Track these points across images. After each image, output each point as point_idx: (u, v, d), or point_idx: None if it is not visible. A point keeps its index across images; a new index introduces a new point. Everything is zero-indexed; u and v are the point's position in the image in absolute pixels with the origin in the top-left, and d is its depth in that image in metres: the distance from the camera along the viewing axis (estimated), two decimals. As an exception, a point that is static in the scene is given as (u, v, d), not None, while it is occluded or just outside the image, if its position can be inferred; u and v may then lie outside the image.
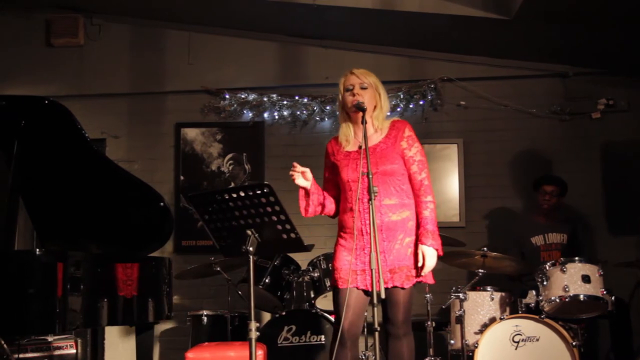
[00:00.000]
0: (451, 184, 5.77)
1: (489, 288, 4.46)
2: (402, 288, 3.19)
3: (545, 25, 5.00)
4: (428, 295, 4.44)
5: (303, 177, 3.25)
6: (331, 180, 3.42)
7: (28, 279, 2.47)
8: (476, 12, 5.05)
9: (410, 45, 5.79)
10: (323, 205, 3.37)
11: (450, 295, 4.41)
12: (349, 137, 3.33)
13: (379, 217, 3.16)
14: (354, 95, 3.25)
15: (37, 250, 2.54)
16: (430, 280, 3.30)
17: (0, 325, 2.47)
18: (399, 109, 5.78)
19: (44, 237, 3.37)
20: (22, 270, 2.48)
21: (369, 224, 3.12)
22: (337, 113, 3.42)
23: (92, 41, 6.01)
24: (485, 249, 4.37)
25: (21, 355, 4.42)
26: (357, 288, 3.19)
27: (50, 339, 4.54)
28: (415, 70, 5.86)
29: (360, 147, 3.25)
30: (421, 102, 5.81)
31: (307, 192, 3.30)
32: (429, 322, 4.44)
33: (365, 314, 4.73)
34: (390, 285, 3.17)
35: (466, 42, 5.60)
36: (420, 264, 3.18)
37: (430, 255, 3.17)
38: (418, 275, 3.23)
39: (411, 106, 5.80)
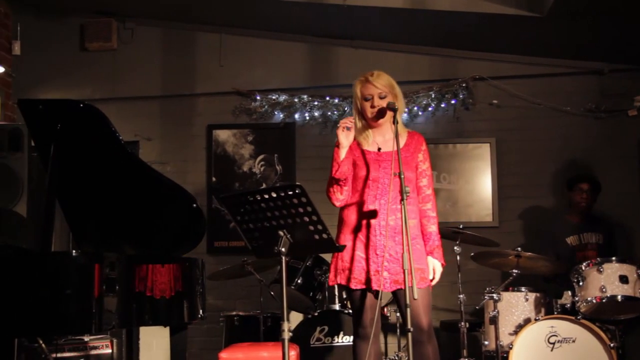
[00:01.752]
0: (484, 184, 5.72)
1: (523, 288, 4.40)
2: (419, 288, 3.17)
3: (579, 21, 4.93)
4: (461, 295, 4.40)
5: (346, 135, 3.19)
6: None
7: (65, 279, 2.51)
8: (508, 10, 4.99)
9: (441, 44, 5.75)
10: (345, 182, 3.28)
11: (484, 296, 4.37)
12: (368, 138, 3.33)
13: (392, 220, 3.18)
14: (373, 106, 3.27)
15: (74, 251, 2.58)
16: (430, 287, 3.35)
17: (38, 325, 2.51)
18: (430, 109, 5.75)
19: (79, 239, 3.42)
20: (60, 271, 2.52)
21: (384, 225, 3.18)
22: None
23: (125, 45, 6.08)
24: (519, 248, 4.32)
25: (59, 355, 4.49)
26: (372, 288, 3.22)
27: (86, 338, 4.60)
28: (447, 69, 5.82)
29: (379, 149, 3.28)
30: (453, 102, 5.77)
31: (340, 152, 3.21)
32: (462, 323, 4.40)
33: (388, 314, 4.74)
34: (403, 286, 3.15)
35: (498, 40, 5.54)
36: (431, 277, 3.29)
37: (439, 270, 3.32)
38: (424, 279, 3.26)
39: (443, 105, 5.76)
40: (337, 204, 3.33)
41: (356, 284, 3.24)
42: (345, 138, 3.21)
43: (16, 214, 4.32)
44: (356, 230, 3.27)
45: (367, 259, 3.22)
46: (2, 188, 4.55)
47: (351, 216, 3.30)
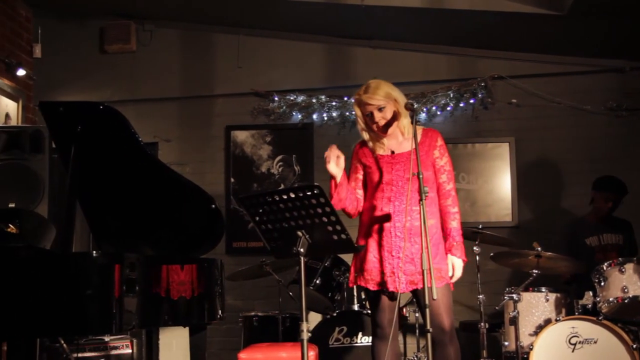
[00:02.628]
0: (503, 183, 5.68)
1: (543, 289, 4.37)
2: (436, 287, 3.18)
3: (599, 18, 4.88)
4: (481, 296, 4.37)
5: (336, 163, 3.20)
6: (357, 177, 3.41)
7: (86, 280, 2.52)
8: (528, 8, 4.96)
9: (459, 43, 5.72)
10: (347, 201, 3.31)
11: (504, 296, 4.34)
12: (382, 144, 3.35)
13: (409, 221, 3.17)
14: (375, 122, 3.27)
15: (94, 252, 2.59)
16: (451, 285, 3.32)
17: (59, 325, 2.53)
18: (449, 108, 5.72)
19: (99, 239, 3.44)
20: (80, 272, 2.54)
21: (399, 226, 3.19)
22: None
23: (143, 47, 6.12)
24: (539, 249, 4.28)
25: (80, 355, 4.53)
26: (388, 290, 3.22)
27: (107, 339, 4.63)
28: (465, 68, 5.79)
29: (392, 152, 3.29)
30: (472, 101, 5.74)
31: (335, 183, 3.25)
32: (482, 324, 4.38)
33: (407, 315, 4.73)
34: (420, 286, 3.17)
35: (517, 39, 5.50)
36: (450, 274, 3.26)
37: (459, 267, 3.28)
38: (442, 278, 3.25)
39: (461, 105, 5.73)
40: (353, 217, 3.40)
41: (373, 285, 3.25)
42: (335, 167, 3.21)
43: (37, 215, 4.36)
44: (373, 232, 3.28)
45: (383, 261, 3.22)
46: (23, 189, 4.59)
47: (368, 219, 3.32)
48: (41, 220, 3.97)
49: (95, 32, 6.18)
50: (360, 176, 3.41)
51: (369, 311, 4.52)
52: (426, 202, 3.21)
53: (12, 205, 4.50)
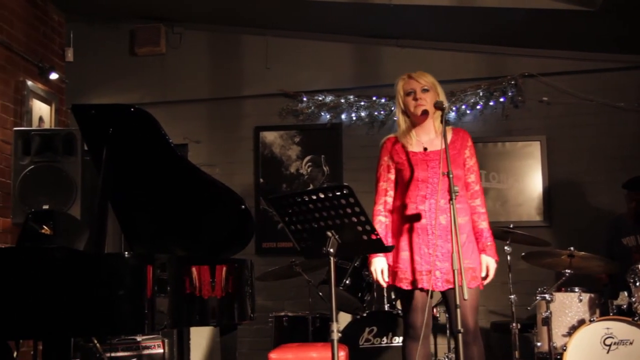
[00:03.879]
0: (534, 182, 5.62)
1: (576, 289, 4.31)
2: (469, 288, 3.17)
3: (632, 14, 4.79)
4: (512, 296, 4.33)
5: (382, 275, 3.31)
6: (389, 178, 3.39)
7: (118, 281, 2.55)
8: (558, 5, 4.89)
9: (489, 41, 5.67)
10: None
11: (536, 297, 4.29)
12: (412, 139, 3.33)
13: (444, 219, 3.15)
14: (416, 99, 3.27)
15: (126, 253, 2.62)
16: (481, 285, 3.33)
17: (93, 325, 2.56)
18: (478, 107, 5.68)
19: (131, 240, 3.48)
20: (113, 272, 2.56)
21: (434, 224, 3.17)
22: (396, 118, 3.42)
23: (173, 49, 6.17)
24: (572, 248, 4.23)
25: (112, 354, 4.58)
26: (423, 289, 3.20)
27: (139, 338, 4.68)
28: (495, 66, 5.74)
29: (425, 149, 3.26)
30: (502, 99, 5.68)
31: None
32: (514, 324, 4.33)
33: (437, 315, 4.70)
34: (454, 286, 3.13)
35: (548, 36, 5.44)
36: (484, 275, 3.26)
37: (493, 267, 3.27)
38: (476, 278, 3.25)
39: (491, 103, 5.68)
40: None
41: (408, 285, 3.22)
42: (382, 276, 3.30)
43: (70, 216, 4.42)
44: (407, 231, 3.26)
45: (419, 259, 3.20)
46: (56, 191, 4.66)
47: (401, 218, 3.29)
48: (74, 222, 4.03)
49: (125, 35, 6.25)
50: (392, 176, 3.39)
51: (400, 311, 4.52)
52: (460, 199, 3.25)
53: (46, 207, 4.57)
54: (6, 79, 5.36)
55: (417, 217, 3.22)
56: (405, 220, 3.26)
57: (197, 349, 5.61)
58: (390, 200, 3.38)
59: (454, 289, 2.90)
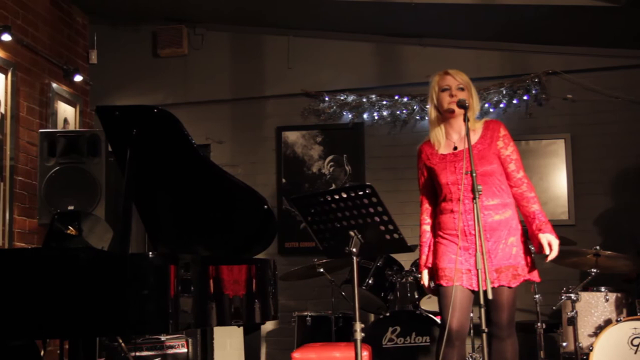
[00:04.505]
0: (558, 181, 5.57)
1: (602, 288, 4.26)
2: (509, 287, 3.16)
3: (658, 10, 4.74)
4: (537, 295, 4.29)
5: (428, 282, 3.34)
6: (428, 184, 3.39)
7: (143, 280, 2.57)
8: (582, 1, 4.84)
9: (512, 39, 5.63)
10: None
11: (561, 296, 4.25)
12: (441, 140, 3.31)
13: (481, 218, 3.12)
14: (451, 96, 3.24)
15: (150, 253, 2.64)
16: (536, 278, 3.27)
17: (118, 325, 2.58)
18: (502, 105, 5.63)
19: (154, 240, 3.50)
20: (137, 272, 2.58)
21: (472, 224, 3.12)
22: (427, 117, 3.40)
23: (195, 50, 6.21)
24: (597, 247, 4.18)
25: (137, 354, 4.62)
26: (463, 286, 3.16)
27: (163, 338, 4.72)
28: (518, 64, 5.70)
29: (455, 149, 3.24)
30: (525, 97, 5.63)
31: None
32: (539, 324, 4.29)
33: (472, 314, 4.66)
34: (496, 285, 3.13)
35: (572, 32, 5.38)
36: (548, 252, 3.14)
37: (556, 243, 3.15)
38: (525, 272, 3.20)
39: (515, 102, 5.64)
40: None
41: (447, 282, 3.20)
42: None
43: (95, 216, 4.46)
44: (447, 232, 3.24)
45: (459, 259, 3.17)
46: (82, 192, 4.71)
47: (441, 220, 3.28)
48: (99, 222, 4.06)
49: (148, 37, 6.30)
50: (429, 181, 3.38)
51: (422, 311, 4.51)
52: (501, 193, 3.22)
53: (71, 207, 4.62)
54: (32, 82, 5.43)
55: (454, 218, 3.20)
56: (445, 222, 3.25)
57: (220, 349, 5.64)
58: (431, 206, 3.38)
59: (492, 288, 2.89)
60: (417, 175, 3.44)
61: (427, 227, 3.37)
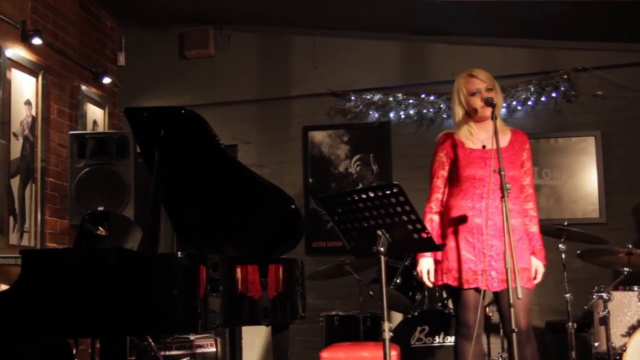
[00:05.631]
0: (589, 179, 5.49)
1: (635, 287, 4.19)
2: (524, 288, 3.15)
3: (690, 4, 4.65)
4: (568, 295, 4.24)
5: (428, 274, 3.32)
6: (444, 175, 3.35)
7: (172, 281, 2.59)
8: (611, -4, 4.77)
9: (539, 35, 5.56)
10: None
11: (593, 295, 4.19)
12: (472, 136, 3.28)
13: (498, 218, 3.11)
14: (483, 99, 3.22)
15: (179, 253, 2.66)
16: (532, 286, 3.32)
17: (148, 324, 2.60)
18: (530, 103, 5.58)
19: (183, 240, 3.53)
20: (167, 272, 2.60)
21: (492, 223, 3.14)
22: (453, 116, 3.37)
23: (222, 51, 6.24)
24: (630, 246, 4.11)
25: (166, 353, 4.66)
26: (478, 288, 3.17)
27: (192, 337, 4.75)
28: (546, 61, 5.63)
29: (484, 147, 3.20)
30: (554, 95, 5.57)
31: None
32: (570, 324, 4.24)
33: (490, 314, 4.62)
34: (512, 285, 3.08)
35: (601, 28, 5.30)
36: (533, 276, 3.25)
37: (541, 272, 3.28)
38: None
39: (543, 99, 5.57)
40: None
41: (464, 284, 3.19)
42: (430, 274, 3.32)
43: (125, 217, 4.51)
44: (462, 230, 3.22)
45: (474, 259, 3.16)
46: (111, 193, 4.77)
47: (456, 216, 3.25)
48: (128, 223, 4.11)
49: (175, 39, 6.35)
50: (446, 173, 3.35)
51: (451, 310, 4.48)
52: (517, 200, 3.24)
53: (101, 208, 4.68)
54: (62, 84, 5.51)
55: (473, 215, 3.18)
56: (460, 219, 3.23)
57: (249, 348, 5.66)
58: (442, 197, 3.35)
59: (508, 288, 2.87)
60: (433, 164, 3.38)
61: (435, 217, 3.34)
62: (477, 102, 3.24)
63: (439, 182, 3.36)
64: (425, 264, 3.29)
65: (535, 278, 3.26)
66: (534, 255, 3.26)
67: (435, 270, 3.32)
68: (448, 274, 3.26)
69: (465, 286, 3.19)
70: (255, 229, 3.38)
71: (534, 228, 3.30)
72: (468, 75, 3.29)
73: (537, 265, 3.26)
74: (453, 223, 3.25)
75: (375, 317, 4.73)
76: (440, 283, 3.31)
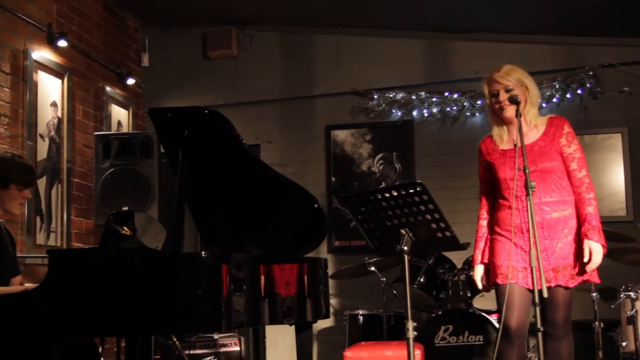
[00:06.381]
0: (615, 176, 5.42)
1: (664, 286, 4.13)
2: (566, 287, 3.10)
3: None
4: (594, 294, 4.18)
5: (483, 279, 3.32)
6: (487, 179, 3.36)
7: (196, 280, 2.60)
8: (638, -9, 4.70)
9: (564, 31, 5.50)
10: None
11: (620, 294, 4.14)
12: (503, 136, 3.28)
13: (539, 215, 3.08)
14: (499, 102, 3.21)
15: (203, 252, 2.66)
16: (595, 279, 3.17)
17: (171, 324, 2.62)
18: (555, 100, 5.51)
19: (206, 240, 3.54)
20: (190, 272, 2.61)
21: (528, 221, 3.05)
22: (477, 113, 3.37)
23: (244, 51, 6.27)
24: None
25: (191, 352, 4.69)
26: (518, 284, 3.11)
27: (216, 336, 4.77)
28: (571, 57, 5.57)
29: (515, 145, 3.17)
30: (579, 91, 5.50)
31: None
32: (597, 323, 4.19)
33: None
34: (553, 284, 3.07)
35: (628, 23, 5.22)
36: (586, 260, 3.05)
37: (597, 251, 3.05)
38: (583, 272, 3.11)
39: (568, 96, 5.51)
40: None
41: (503, 280, 3.16)
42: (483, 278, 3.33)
43: (149, 217, 4.54)
44: (504, 229, 3.20)
45: (515, 256, 3.13)
46: (135, 193, 4.80)
47: (499, 216, 3.24)
48: (153, 222, 4.13)
49: (198, 39, 6.38)
50: (489, 177, 3.34)
51: (476, 309, 4.45)
52: (561, 191, 3.16)
53: (125, 208, 4.72)
54: (87, 86, 5.57)
55: (512, 215, 3.16)
56: (503, 218, 3.21)
57: (272, 347, 5.67)
58: (489, 202, 3.35)
59: (548, 287, 2.84)
60: (478, 169, 3.41)
61: (484, 222, 3.34)
62: (496, 105, 3.24)
63: (486, 187, 3.38)
64: (479, 271, 3.31)
65: (590, 261, 3.05)
66: (585, 237, 3.08)
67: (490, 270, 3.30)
68: (492, 272, 3.24)
69: (505, 281, 3.13)
70: (278, 228, 3.38)
71: (589, 209, 3.12)
72: (487, 77, 3.28)
73: (590, 245, 3.05)
74: (497, 223, 3.25)
75: (399, 316, 4.72)
76: (490, 284, 3.28)
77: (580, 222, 3.16)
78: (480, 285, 3.32)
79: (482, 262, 3.30)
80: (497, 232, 3.24)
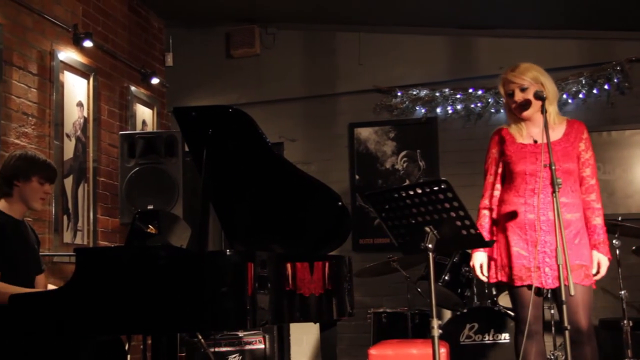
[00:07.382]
0: (644, 173, 5.34)
1: (693, 285, 4.06)
2: (582, 285, 3.08)
3: None
4: (623, 292, 4.13)
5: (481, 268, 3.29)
6: (497, 171, 3.31)
7: (221, 278, 2.61)
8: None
9: (591, 26, 5.42)
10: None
11: (649, 293, 4.08)
12: (522, 131, 3.25)
13: (552, 214, 3.03)
14: (514, 102, 3.20)
15: (228, 251, 2.68)
16: (593, 286, 3.19)
17: (197, 321, 2.63)
18: (581, 96, 5.45)
19: (231, 238, 3.56)
20: (215, 270, 2.63)
21: (545, 219, 3.08)
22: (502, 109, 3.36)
23: (267, 49, 6.28)
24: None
25: (216, 349, 4.72)
26: (532, 285, 3.10)
27: (241, 334, 4.80)
28: (598, 52, 5.49)
29: (535, 142, 3.14)
30: (606, 87, 5.42)
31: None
32: (625, 321, 4.13)
33: (552, 311, 4.53)
34: (566, 283, 3.01)
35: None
36: (594, 271, 3.14)
37: (605, 265, 3.15)
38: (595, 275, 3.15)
39: (595, 92, 5.43)
40: None
41: (517, 281, 3.14)
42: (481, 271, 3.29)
43: (174, 215, 4.57)
44: (515, 226, 3.17)
45: (528, 255, 3.12)
46: (160, 192, 4.84)
47: (509, 212, 3.21)
48: (177, 221, 4.16)
49: (221, 38, 6.41)
50: (499, 169, 3.31)
51: (501, 307, 4.41)
52: (575, 194, 3.15)
53: (150, 207, 4.75)
54: (112, 86, 5.62)
55: (525, 211, 3.13)
56: (514, 215, 3.18)
57: (297, 345, 5.69)
58: (497, 193, 3.31)
59: (564, 285, 2.81)
60: (486, 161, 3.36)
61: (486, 212, 3.30)
62: (511, 104, 3.22)
63: (492, 179, 3.33)
64: (479, 258, 3.26)
65: (598, 272, 3.14)
66: (596, 249, 3.14)
67: (490, 267, 3.27)
68: (502, 271, 3.22)
69: (518, 283, 3.14)
70: (302, 226, 3.38)
71: (597, 220, 3.17)
72: (502, 77, 3.26)
73: (600, 259, 3.14)
74: (506, 219, 3.21)
75: (424, 314, 4.70)
76: (494, 280, 3.26)
77: (587, 229, 3.18)
78: (479, 274, 3.27)
79: (484, 251, 3.26)
80: (506, 228, 3.19)
